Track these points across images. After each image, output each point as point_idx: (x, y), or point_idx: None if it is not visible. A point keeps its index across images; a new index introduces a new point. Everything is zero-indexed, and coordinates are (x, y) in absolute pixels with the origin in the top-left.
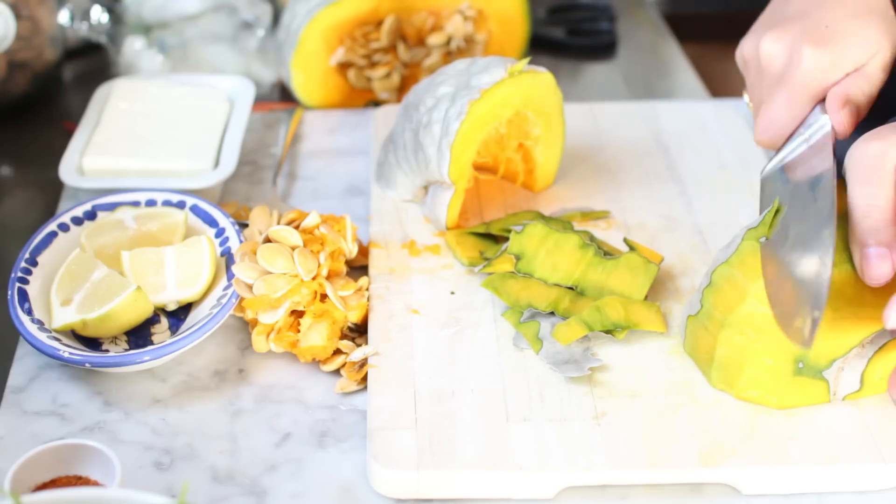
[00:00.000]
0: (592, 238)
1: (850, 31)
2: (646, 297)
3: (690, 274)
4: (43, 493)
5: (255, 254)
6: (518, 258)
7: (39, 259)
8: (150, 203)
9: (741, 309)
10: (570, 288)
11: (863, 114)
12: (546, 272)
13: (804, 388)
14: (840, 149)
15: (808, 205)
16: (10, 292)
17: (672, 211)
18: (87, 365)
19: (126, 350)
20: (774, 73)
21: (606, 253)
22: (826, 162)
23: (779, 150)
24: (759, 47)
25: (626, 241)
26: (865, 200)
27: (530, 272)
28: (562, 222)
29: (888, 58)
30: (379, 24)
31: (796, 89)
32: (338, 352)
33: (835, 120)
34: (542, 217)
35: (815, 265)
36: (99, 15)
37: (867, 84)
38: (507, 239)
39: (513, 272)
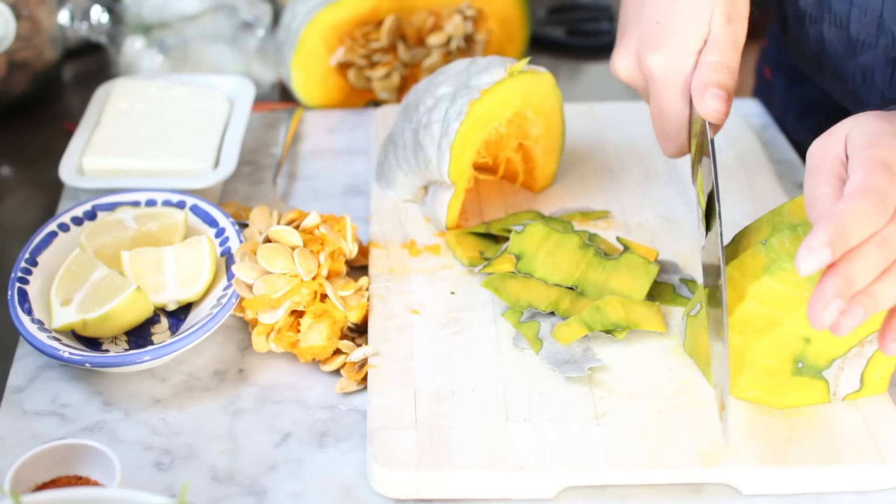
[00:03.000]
0: (592, 238)
1: (678, 12)
2: (647, 297)
3: (690, 274)
4: (43, 493)
5: (255, 254)
6: (518, 258)
7: (39, 259)
8: (150, 203)
9: (740, 309)
10: (571, 288)
11: (731, 82)
12: (546, 272)
13: (804, 388)
14: None
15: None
16: (10, 292)
17: (672, 211)
18: (87, 365)
19: (126, 350)
20: (642, 88)
21: (606, 253)
22: (708, 164)
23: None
24: (615, 70)
25: (619, 239)
26: (811, 192)
27: (530, 272)
28: (562, 222)
29: (726, 9)
30: (379, 24)
31: (662, 97)
32: (338, 352)
33: (702, 111)
34: (542, 217)
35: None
36: (99, 15)
37: (719, 53)
38: (507, 239)
39: (513, 272)
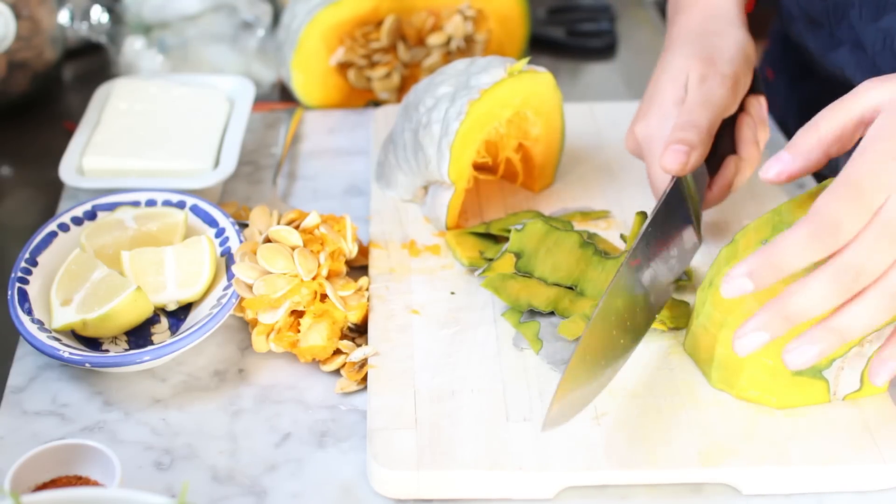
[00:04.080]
0: (591, 237)
1: (659, 84)
2: None
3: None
4: (43, 493)
5: (255, 254)
6: (518, 256)
7: (39, 259)
8: (150, 203)
9: (740, 309)
10: (570, 287)
11: (695, 138)
12: (546, 271)
13: (804, 387)
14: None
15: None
16: (10, 292)
17: None
18: (87, 365)
19: (126, 350)
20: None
21: (606, 252)
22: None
23: None
24: (626, 145)
25: (623, 237)
26: (802, 137)
27: (530, 271)
28: (562, 222)
29: (701, 70)
30: (379, 24)
31: (648, 162)
32: (338, 352)
33: (662, 165)
34: (542, 217)
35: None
36: (99, 15)
37: (686, 113)
38: (507, 239)
39: (513, 272)
